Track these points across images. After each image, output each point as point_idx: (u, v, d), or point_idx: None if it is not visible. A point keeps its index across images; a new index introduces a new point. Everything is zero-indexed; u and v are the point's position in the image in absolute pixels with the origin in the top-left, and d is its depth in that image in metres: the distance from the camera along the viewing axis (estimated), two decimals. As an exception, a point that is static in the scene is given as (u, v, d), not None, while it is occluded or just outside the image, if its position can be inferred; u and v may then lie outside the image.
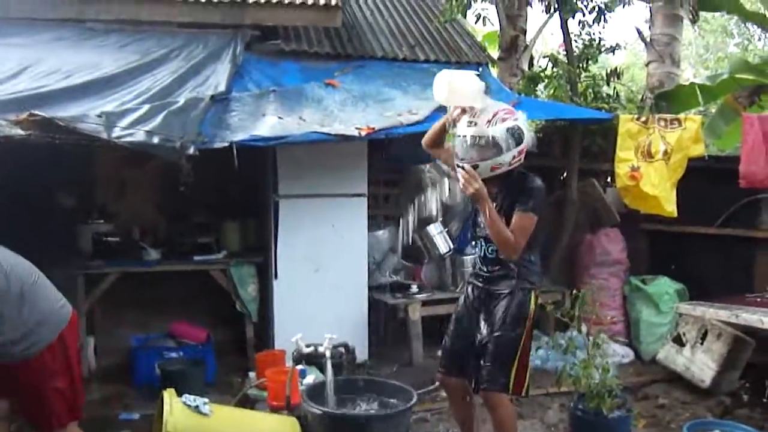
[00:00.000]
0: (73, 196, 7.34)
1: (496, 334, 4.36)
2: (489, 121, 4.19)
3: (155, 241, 7.44)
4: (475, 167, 4.16)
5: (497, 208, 4.24)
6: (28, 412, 4.27)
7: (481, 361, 4.39)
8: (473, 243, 4.75)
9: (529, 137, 4.31)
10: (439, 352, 4.82)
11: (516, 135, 4.20)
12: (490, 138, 4.18)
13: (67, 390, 4.23)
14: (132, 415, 6.17)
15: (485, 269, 4.53)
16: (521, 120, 4.27)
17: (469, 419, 4.79)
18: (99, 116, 5.53)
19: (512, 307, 4.38)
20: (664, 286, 7.77)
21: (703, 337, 6.69)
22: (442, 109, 6.65)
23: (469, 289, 4.64)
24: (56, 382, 4.16)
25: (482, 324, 4.47)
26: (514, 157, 4.22)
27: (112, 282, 6.86)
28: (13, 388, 4.14)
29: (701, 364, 6.60)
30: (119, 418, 6.10)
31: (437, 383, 5.28)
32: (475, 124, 4.22)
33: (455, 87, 4.31)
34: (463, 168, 4.14)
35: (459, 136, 4.30)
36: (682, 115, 7.39)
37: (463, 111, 4.30)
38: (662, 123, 7.18)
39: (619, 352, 7.50)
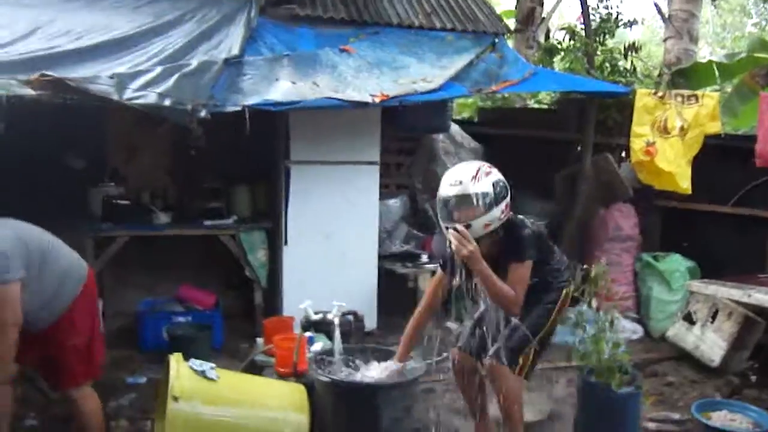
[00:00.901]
0: (83, 159, 7.29)
1: (515, 323, 4.32)
2: (474, 178, 4.09)
3: (165, 205, 7.40)
4: (467, 227, 4.05)
5: (494, 266, 4.13)
6: (44, 368, 4.27)
7: (497, 344, 4.35)
8: (467, 304, 4.60)
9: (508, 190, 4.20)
10: (459, 330, 4.83)
11: (501, 187, 4.14)
12: (479, 195, 4.07)
13: (85, 349, 4.25)
14: (139, 378, 6.16)
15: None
16: (498, 172, 4.19)
17: (482, 397, 4.77)
18: (111, 77, 5.46)
19: (538, 303, 4.39)
20: (675, 263, 7.73)
21: (714, 316, 6.66)
22: (456, 78, 6.64)
23: None
24: (76, 339, 4.19)
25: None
26: (502, 212, 4.15)
27: (122, 245, 6.82)
28: (36, 353, 4.14)
29: (711, 342, 6.57)
30: (126, 381, 6.09)
31: (445, 354, 5.25)
32: (460, 182, 4.10)
33: None
34: (455, 230, 4.02)
35: (442, 197, 4.16)
36: (699, 92, 7.33)
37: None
38: (679, 99, 7.14)
39: (629, 329, 7.47)
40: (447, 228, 4.09)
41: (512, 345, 4.31)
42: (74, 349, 4.18)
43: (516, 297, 4.10)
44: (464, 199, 4.07)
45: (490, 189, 4.08)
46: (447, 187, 4.13)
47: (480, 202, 4.06)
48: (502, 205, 4.13)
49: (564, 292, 4.47)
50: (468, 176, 4.10)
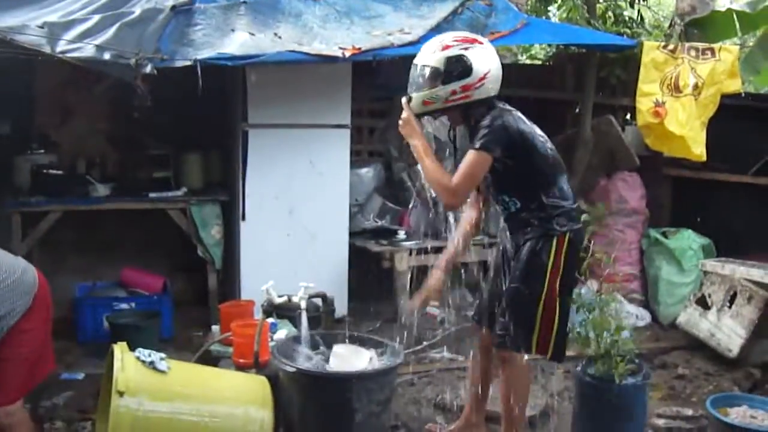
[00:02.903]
0: (7, 122, 7.27)
1: (512, 286, 4.40)
2: (432, 50, 4.26)
3: (104, 175, 7.38)
4: (409, 100, 4.28)
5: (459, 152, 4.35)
6: None
7: (500, 317, 4.43)
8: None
9: (484, 70, 4.26)
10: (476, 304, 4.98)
11: (458, 66, 4.21)
12: (425, 68, 4.25)
13: (32, 360, 4.21)
14: (76, 374, 6.19)
15: (507, 224, 4.57)
16: (478, 50, 4.27)
17: (487, 374, 4.91)
18: (41, 27, 5.47)
19: (529, 258, 4.38)
20: (687, 240, 7.78)
21: (732, 300, 6.72)
22: (437, 29, 6.67)
23: (504, 238, 4.70)
24: (23, 349, 4.12)
25: (506, 276, 4.54)
26: (453, 92, 4.24)
27: (54, 222, 6.81)
28: None
29: (728, 330, 6.64)
30: (60, 377, 6.09)
31: (425, 343, 5.33)
32: (422, 52, 4.31)
33: None
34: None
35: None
36: (716, 45, 7.37)
37: None
38: (693, 53, 7.16)
39: (634, 314, 7.53)
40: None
41: (517, 319, 4.37)
42: (18, 362, 4.12)
43: (452, 185, 4.21)
44: (414, 69, 4.32)
45: (439, 65, 4.21)
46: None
47: (424, 77, 4.26)
48: (454, 86, 4.22)
49: (555, 240, 4.35)
50: (429, 47, 4.30)
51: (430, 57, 4.24)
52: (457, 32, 4.51)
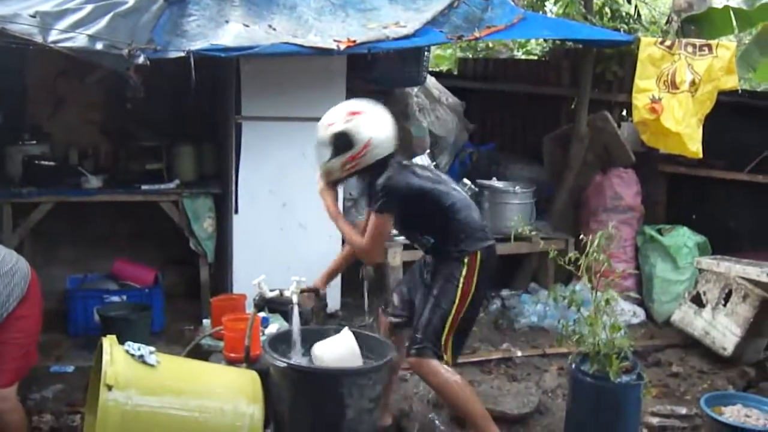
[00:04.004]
0: (-1, 112, 7.26)
1: (430, 303, 4.75)
2: (323, 127, 4.67)
3: (96, 167, 7.36)
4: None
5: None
6: None
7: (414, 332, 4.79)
8: None
9: (365, 140, 4.59)
10: (395, 297, 5.23)
11: (343, 140, 4.60)
12: (321, 145, 4.69)
13: (26, 344, 4.30)
14: (65, 367, 6.19)
15: (428, 255, 4.98)
16: (359, 121, 4.62)
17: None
18: (33, 16, 5.42)
19: (446, 279, 4.74)
20: (683, 237, 7.77)
21: (727, 298, 6.72)
22: (433, 23, 6.64)
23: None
24: (17, 334, 4.25)
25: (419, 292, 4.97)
26: (344, 163, 4.66)
27: (45, 213, 6.79)
28: None
29: (723, 328, 6.64)
30: (50, 370, 6.10)
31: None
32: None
33: None
34: None
35: None
36: (713, 41, 7.35)
37: None
38: (690, 49, 7.14)
39: (629, 311, 7.53)
40: None
41: (435, 327, 4.71)
42: (14, 346, 4.23)
43: (365, 246, 4.74)
44: (316, 144, 4.74)
45: (328, 141, 4.64)
46: None
47: (320, 152, 4.71)
48: (343, 158, 4.63)
49: (468, 259, 4.71)
50: (321, 125, 4.69)
51: (321, 134, 4.66)
52: (344, 104, 4.80)
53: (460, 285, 4.68)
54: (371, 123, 4.64)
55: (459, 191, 4.96)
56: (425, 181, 4.78)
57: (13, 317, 4.19)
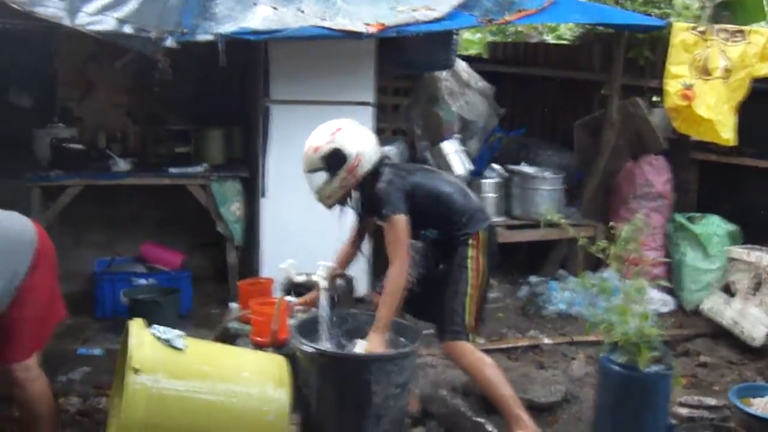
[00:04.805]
0: (29, 96, 7.27)
1: (449, 291, 4.82)
2: (309, 153, 4.64)
3: (124, 150, 7.40)
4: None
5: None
6: None
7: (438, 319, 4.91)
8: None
9: (357, 148, 4.61)
10: None
11: (335, 157, 4.59)
12: (314, 172, 4.66)
13: (42, 316, 4.25)
14: (92, 350, 6.20)
15: (434, 248, 4.90)
16: (342, 136, 4.63)
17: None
18: (61, -1, 5.44)
19: (458, 264, 4.82)
20: (714, 226, 7.69)
21: (757, 288, 6.66)
22: (463, 6, 6.59)
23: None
24: (33, 309, 4.16)
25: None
26: (343, 179, 4.64)
27: (74, 196, 6.82)
28: None
29: (753, 318, 6.58)
30: (77, 353, 6.12)
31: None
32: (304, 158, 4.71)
33: None
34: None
35: None
36: (747, 28, 7.28)
37: None
38: (723, 35, 7.08)
39: (658, 300, 7.46)
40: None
41: (459, 312, 4.79)
42: (31, 319, 4.16)
43: (398, 266, 4.54)
44: (307, 179, 4.72)
45: (320, 165, 4.62)
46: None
47: (316, 181, 4.68)
48: (341, 174, 4.62)
49: (471, 240, 4.82)
50: (306, 156, 4.67)
51: (311, 161, 4.63)
52: (319, 128, 4.73)
53: (470, 265, 4.78)
54: (353, 134, 4.68)
55: (453, 180, 5.13)
56: (420, 176, 4.89)
57: (23, 290, 4.08)
